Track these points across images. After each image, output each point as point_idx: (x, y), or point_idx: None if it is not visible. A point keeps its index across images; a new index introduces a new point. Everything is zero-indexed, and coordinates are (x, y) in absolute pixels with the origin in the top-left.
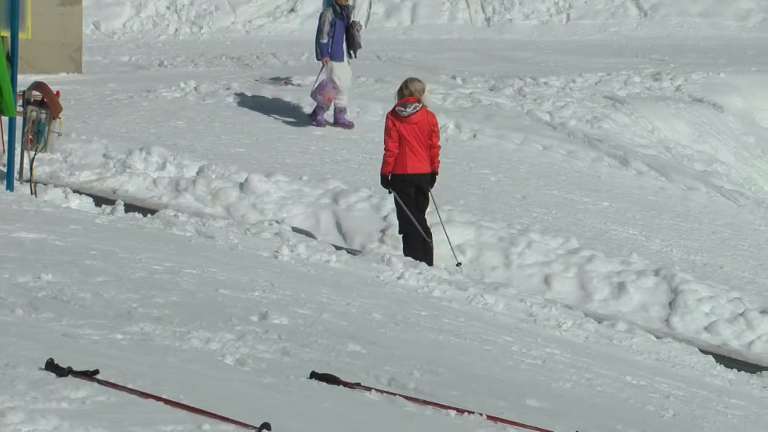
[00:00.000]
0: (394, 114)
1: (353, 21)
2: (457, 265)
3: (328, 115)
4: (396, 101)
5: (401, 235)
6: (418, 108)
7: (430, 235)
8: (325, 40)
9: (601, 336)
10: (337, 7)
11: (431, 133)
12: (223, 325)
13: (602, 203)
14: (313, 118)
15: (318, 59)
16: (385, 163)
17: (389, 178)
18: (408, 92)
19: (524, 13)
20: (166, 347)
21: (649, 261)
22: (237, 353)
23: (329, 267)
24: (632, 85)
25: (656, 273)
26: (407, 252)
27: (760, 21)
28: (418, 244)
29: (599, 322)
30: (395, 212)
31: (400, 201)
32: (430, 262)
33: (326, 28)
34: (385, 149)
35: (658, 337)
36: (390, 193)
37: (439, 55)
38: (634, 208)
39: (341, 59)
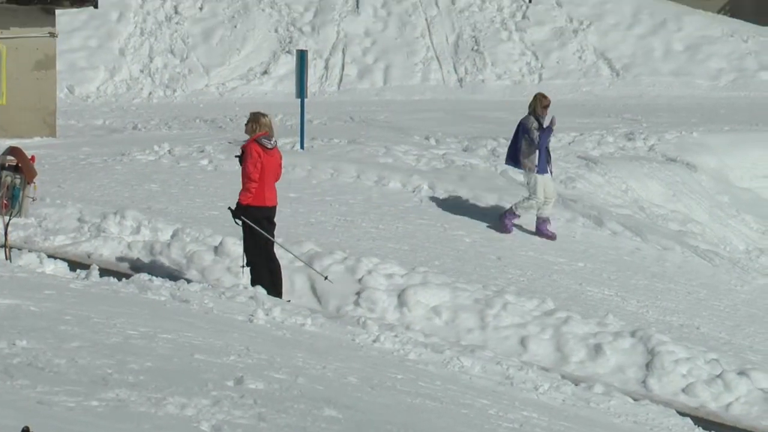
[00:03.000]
0: (259, 144)
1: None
2: (325, 278)
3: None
4: (251, 133)
5: (248, 267)
6: (277, 142)
7: (278, 264)
8: (537, 141)
9: (578, 398)
10: (539, 117)
11: (279, 167)
12: (199, 390)
13: (577, 264)
14: (502, 222)
15: (522, 167)
16: (248, 191)
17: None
18: (265, 124)
19: (497, 73)
20: (142, 414)
21: (625, 322)
22: (213, 419)
23: (304, 330)
24: (605, 144)
25: (632, 334)
26: (255, 281)
27: (731, 80)
28: (265, 274)
29: (576, 385)
30: (243, 245)
31: (258, 228)
32: (279, 291)
33: (535, 134)
34: (250, 179)
35: (635, 399)
36: (238, 223)
37: (412, 115)
38: (609, 268)
39: (545, 171)
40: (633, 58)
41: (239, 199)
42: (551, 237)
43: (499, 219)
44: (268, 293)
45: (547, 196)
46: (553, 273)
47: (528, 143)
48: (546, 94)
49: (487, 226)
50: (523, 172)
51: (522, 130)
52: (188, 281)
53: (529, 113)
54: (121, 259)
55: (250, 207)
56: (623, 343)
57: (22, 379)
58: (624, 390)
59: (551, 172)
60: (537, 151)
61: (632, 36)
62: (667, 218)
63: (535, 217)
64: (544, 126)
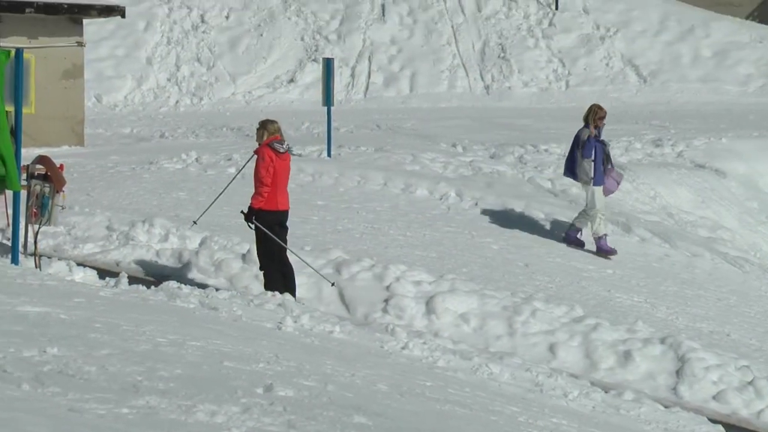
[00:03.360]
0: (272, 149)
1: (604, 141)
2: (332, 285)
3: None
4: (260, 139)
5: (262, 271)
6: (289, 146)
7: (291, 269)
8: (592, 158)
9: (608, 405)
10: (594, 129)
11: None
12: (229, 397)
13: (606, 270)
14: (601, 250)
15: (578, 179)
16: (260, 196)
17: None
18: (273, 130)
19: (523, 80)
20: (172, 421)
21: (655, 329)
22: (243, 426)
23: (333, 338)
24: (633, 151)
25: (662, 341)
26: (268, 286)
27: (760, 86)
28: (278, 278)
29: (606, 392)
30: (256, 249)
31: (271, 234)
32: (292, 295)
33: (586, 146)
34: (263, 183)
35: (666, 407)
36: (252, 227)
37: (438, 123)
38: (638, 275)
39: (603, 182)
40: (660, 65)
41: (251, 203)
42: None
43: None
44: None
45: (602, 210)
46: (582, 280)
47: (581, 155)
48: (602, 105)
49: (514, 233)
50: (581, 185)
51: (576, 142)
52: (217, 289)
53: (585, 125)
54: (149, 267)
55: (262, 211)
56: (653, 350)
57: (53, 386)
58: (654, 397)
59: (617, 183)
60: (593, 163)
61: (660, 42)
62: (696, 225)
63: (569, 225)
64: (601, 137)
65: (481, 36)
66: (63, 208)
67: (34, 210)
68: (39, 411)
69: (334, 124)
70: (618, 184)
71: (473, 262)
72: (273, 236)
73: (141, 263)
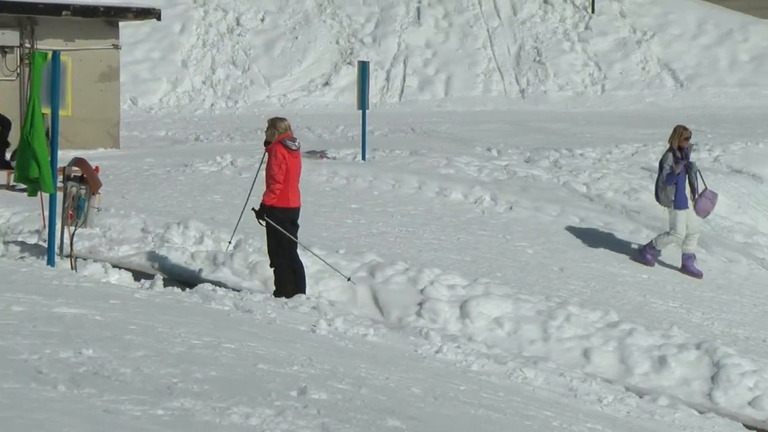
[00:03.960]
0: (284, 146)
1: (690, 162)
2: (348, 279)
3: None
4: (272, 137)
5: (273, 268)
6: (300, 144)
7: (302, 266)
8: (665, 179)
9: (642, 411)
10: (677, 151)
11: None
12: (263, 400)
13: (641, 275)
14: (642, 256)
15: (661, 203)
16: (272, 193)
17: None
18: (284, 128)
19: (559, 84)
20: (206, 423)
21: (690, 334)
22: (277, 429)
23: (367, 341)
24: None
25: (698, 346)
26: (278, 283)
27: None
28: (289, 275)
29: (640, 397)
30: (268, 246)
31: (282, 230)
32: (302, 293)
33: (665, 170)
34: (275, 180)
35: (701, 412)
36: (263, 224)
37: (473, 127)
38: (673, 280)
39: (686, 206)
40: (697, 69)
41: (263, 200)
42: (697, 275)
43: (639, 253)
44: (292, 295)
45: (690, 231)
46: (617, 284)
47: (663, 179)
48: (686, 126)
49: (549, 238)
50: (665, 208)
51: (660, 166)
52: (251, 291)
53: (669, 149)
54: (184, 269)
55: (274, 208)
56: (688, 356)
57: (89, 387)
58: (689, 403)
59: (711, 203)
60: (675, 186)
61: (697, 46)
62: (732, 230)
63: (681, 254)
64: (690, 158)
65: (516, 39)
66: (99, 210)
67: (70, 212)
68: (74, 412)
69: (368, 128)
70: (712, 203)
71: (507, 266)
72: (285, 232)
73: (176, 265)
